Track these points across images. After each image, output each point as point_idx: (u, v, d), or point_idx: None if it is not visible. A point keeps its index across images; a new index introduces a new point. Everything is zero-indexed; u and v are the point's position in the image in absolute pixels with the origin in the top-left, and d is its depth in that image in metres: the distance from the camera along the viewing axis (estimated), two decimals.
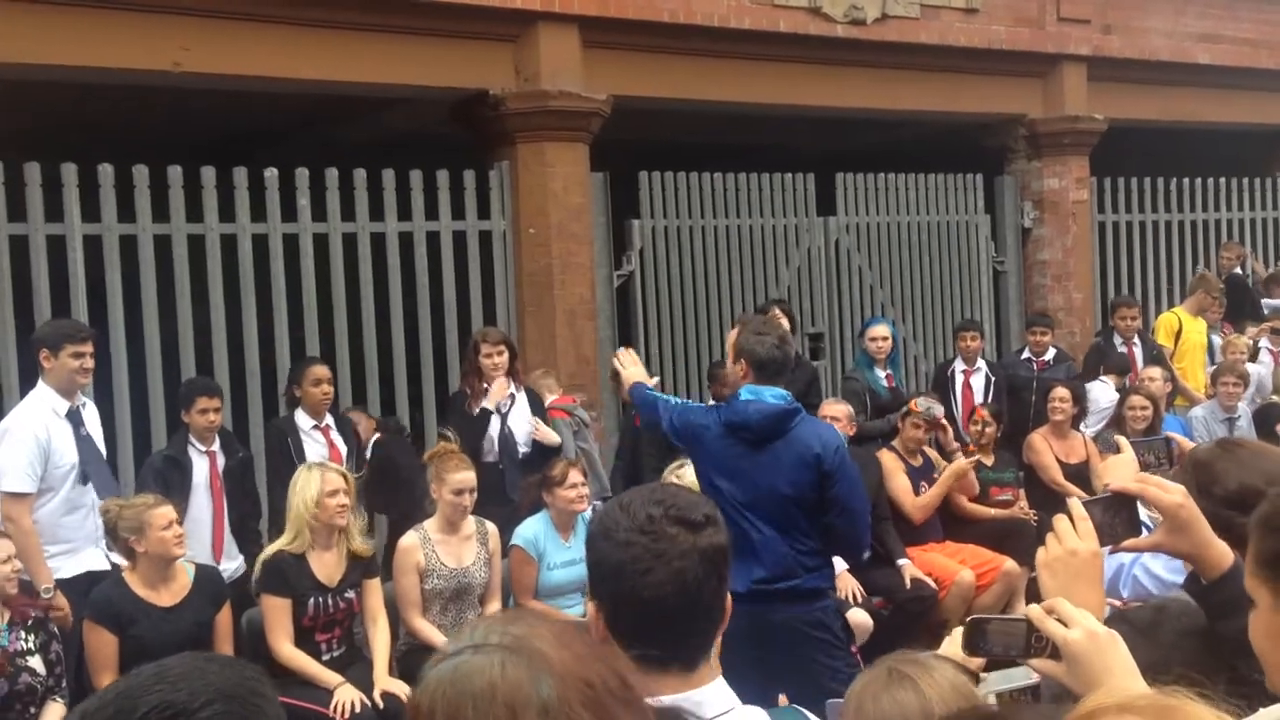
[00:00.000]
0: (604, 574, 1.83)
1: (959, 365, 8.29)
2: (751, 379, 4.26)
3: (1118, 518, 2.00)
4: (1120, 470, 2.66)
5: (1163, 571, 2.62)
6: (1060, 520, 1.87)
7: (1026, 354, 8.60)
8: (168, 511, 4.70)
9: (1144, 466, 2.97)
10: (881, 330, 7.87)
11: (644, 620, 1.80)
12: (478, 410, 6.29)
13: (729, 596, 1.88)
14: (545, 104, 7.36)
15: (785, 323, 7.55)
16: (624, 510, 1.84)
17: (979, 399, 8.08)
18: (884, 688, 1.98)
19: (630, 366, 4.76)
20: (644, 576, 1.79)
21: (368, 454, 6.43)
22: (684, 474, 5.65)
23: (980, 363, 8.29)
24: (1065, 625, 1.62)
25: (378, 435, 6.68)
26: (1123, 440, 2.80)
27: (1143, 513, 2.29)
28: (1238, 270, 10.44)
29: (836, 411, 6.71)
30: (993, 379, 8.28)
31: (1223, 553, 1.94)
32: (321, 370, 6.12)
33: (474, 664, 1.27)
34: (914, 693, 1.95)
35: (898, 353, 8.09)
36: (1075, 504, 1.92)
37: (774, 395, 4.25)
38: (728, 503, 4.12)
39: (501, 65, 7.40)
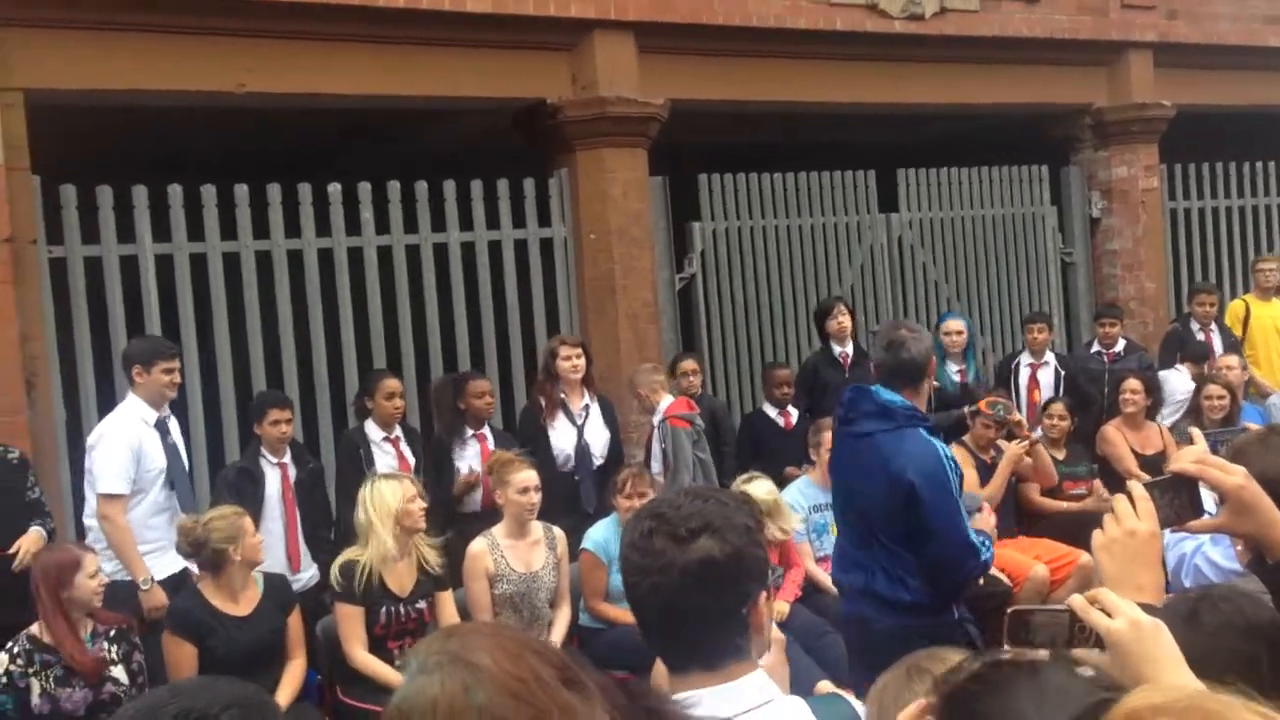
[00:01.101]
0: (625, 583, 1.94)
1: (1025, 358, 8.16)
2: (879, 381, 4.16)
3: (1178, 499, 1.97)
4: (1186, 459, 2.62)
5: (1222, 560, 2.57)
6: (1119, 500, 1.84)
7: (1096, 346, 8.45)
8: (251, 521, 4.91)
9: None
10: (956, 325, 7.80)
11: (647, 625, 1.88)
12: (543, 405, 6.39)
13: (761, 595, 1.89)
14: (603, 110, 7.39)
15: (847, 320, 7.54)
16: (634, 521, 1.91)
17: (1047, 392, 7.97)
18: (905, 685, 1.95)
19: None
20: (634, 589, 1.87)
21: None
22: (751, 486, 5.65)
23: (1049, 356, 8.17)
24: (1109, 615, 1.58)
25: None
26: (1196, 432, 2.74)
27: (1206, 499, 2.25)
28: None
29: None
30: (1062, 373, 8.15)
31: None
32: (394, 384, 6.22)
33: (419, 684, 1.38)
34: None
35: (973, 348, 7.99)
36: (1135, 485, 1.89)
37: (889, 397, 4.14)
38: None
39: (559, 74, 7.45)
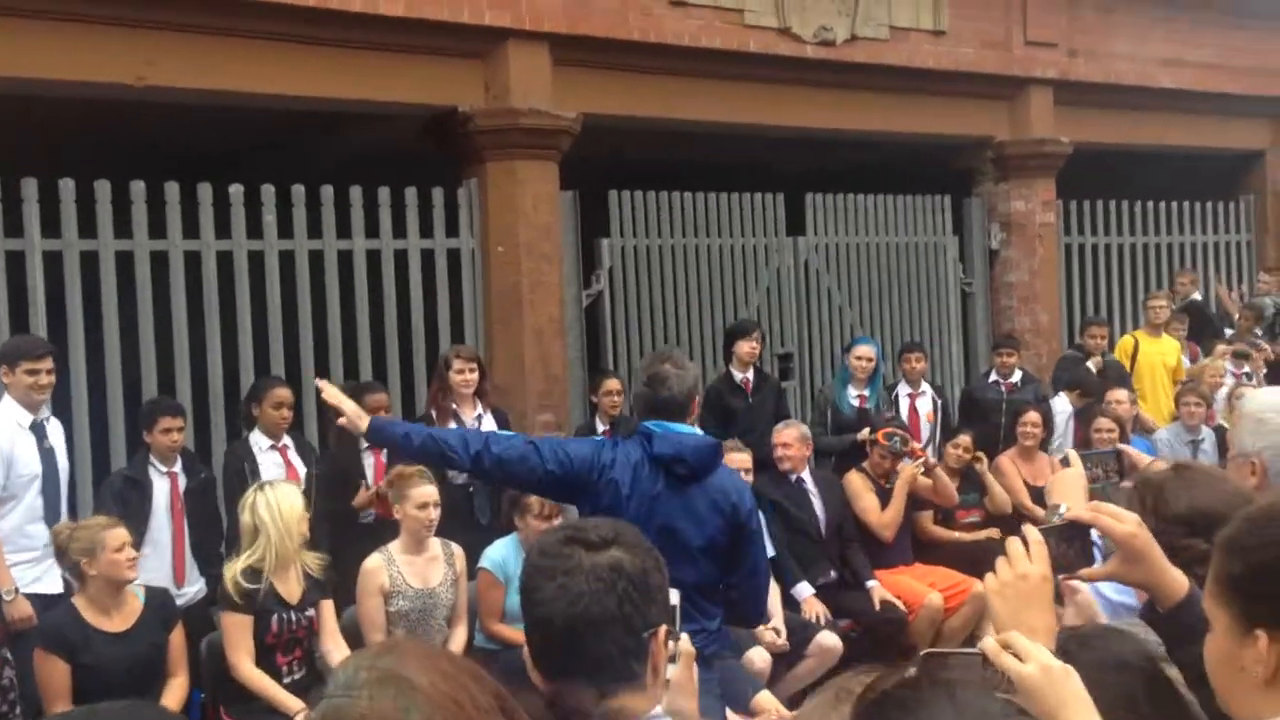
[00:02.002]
0: (520, 602, 1.88)
1: (903, 389, 8.27)
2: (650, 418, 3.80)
3: (1071, 547, 1.99)
4: (1069, 484, 2.66)
5: (1111, 593, 2.59)
6: (1013, 543, 1.85)
7: (994, 376, 8.62)
8: (121, 534, 4.62)
9: (1093, 480, 2.96)
10: (867, 351, 7.86)
11: (543, 644, 1.81)
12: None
13: (663, 630, 1.86)
14: (515, 121, 7.32)
15: (758, 346, 7.57)
16: (547, 533, 1.93)
17: (925, 421, 8.08)
18: (831, 708, 1.93)
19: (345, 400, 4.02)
20: (534, 594, 1.82)
21: None
22: None
23: (924, 385, 8.29)
24: (1020, 659, 1.59)
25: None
26: (1072, 454, 2.79)
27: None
28: (1195, 296, 10.53)
29: (787, 437, 6.66)
30: (939, 401, 8.28)
31: (1178, 580, 1.94)
32: (283, 393, 6.04)
33: (341, 704, 1.31)
34: None
35: (878, 374, 8.08)
36: (1030, 530, 1.91)
37: (689, 430, 3.82)
38: None
39: (471, 82, 7.36)
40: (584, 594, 1.79)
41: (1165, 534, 1.99)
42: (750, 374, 7.59)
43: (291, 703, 4.74)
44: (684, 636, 1.94)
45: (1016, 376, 8.53)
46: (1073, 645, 1.86)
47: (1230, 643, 1.52)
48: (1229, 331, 10.31)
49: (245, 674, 4.78)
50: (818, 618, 6.23)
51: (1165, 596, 1.93)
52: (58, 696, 4.48)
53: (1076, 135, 9.90)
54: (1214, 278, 11.06)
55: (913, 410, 8.16)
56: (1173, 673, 1.90)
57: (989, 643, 1.62)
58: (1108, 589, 2.72)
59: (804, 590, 6.35)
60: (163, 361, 6.53)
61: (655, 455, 3.68)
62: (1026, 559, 1.80)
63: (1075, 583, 2.52)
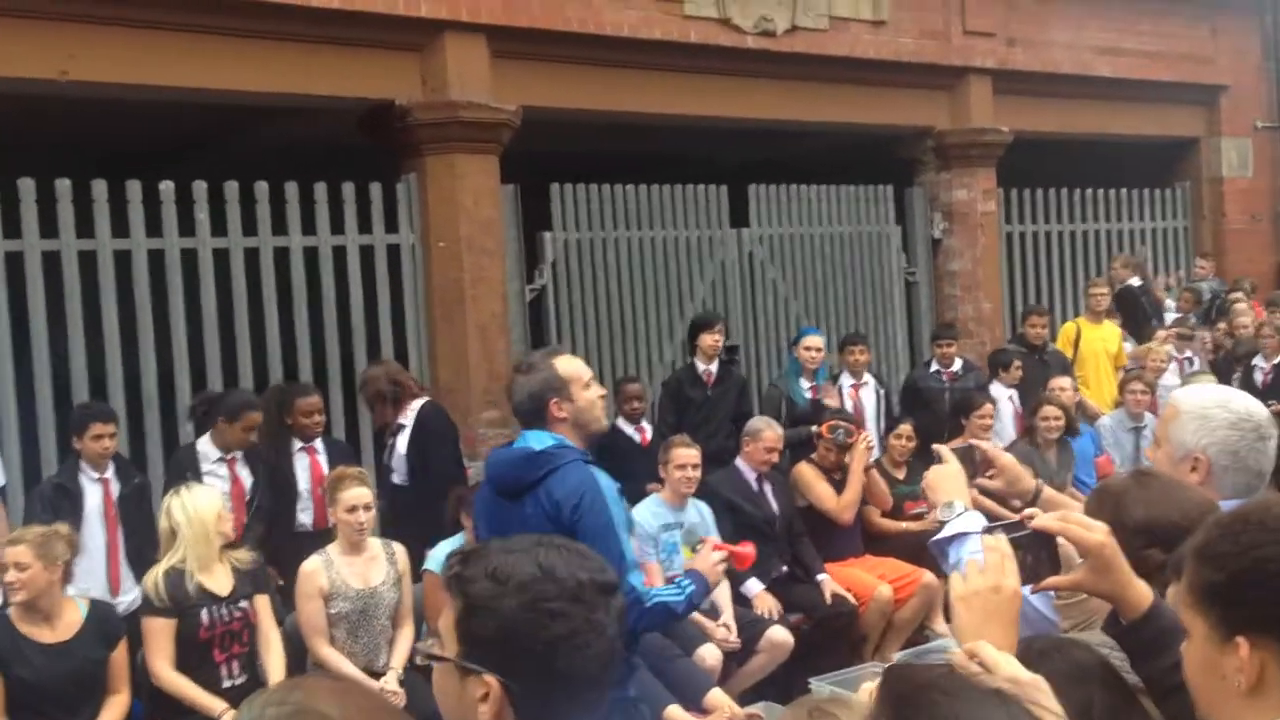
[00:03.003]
0: (520, 649, 1.60)
1: (846, 380, 8.25)
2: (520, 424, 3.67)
3: (1038, 556, 1.96)
4: (950, 481, 2.61)
5: (1037, 602, 2.55)
6: (992, 551, 1.80)
7: (935, 366, 8.64)
8: (9, 553, 4.45)
9: None
10: (815, 341, 7.84)
11: (570, 699, 1.64)
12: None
13: None
14: (454, 115, 7.21)
15: (721, 339, 7.52)
16: (547, 575, 1.64)
17: (870, 412, 8.08)
18: None
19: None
20: (581, 651, 1.62)
21: None
22: None
23: (867, 376, 8.28)
24: (988, 670, 1.56)
25: None
26: (944, 450, 2.75)
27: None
28: (1133, 282, 10.64)
29: (772, 440, 6.63)
30: (881, 392, 8.29)
31: (1143, 592, 1.92)
32: (255, 416, 5.87)
33: None
34: None
35: (825, 364, 8.07)
36: (1001, 540, 1.87)
37: (537, 439, 3.52)
38: None
39: (408, 75, 7.24)
40: (620, 649, 1.72)
41: (1124, 545, 1.96)
42: (714, 366, 7.56)
43: (212, 704, 4.63)
44: None
45: (957, 365, 8.56)
46: (1031, 656, 1.82)
47: (1210, 651, 1.48)
48: (1168, 318, 10.43)
49: (165, 679, 4.68)
50: (769, 612, 6.20)
51: (1130, 608, 1.90)
52: None
53: (1015, 124, 9.96)
54: (1149, 275, 11.13)
55: (857, 400, 8.15)
56: (1132, 682, 1.87)
57: (956, 655, 1.61)
58: (1037, 602, 2.68)
59: (754, 586, 6.32)
60: (93, 364, 6.36)
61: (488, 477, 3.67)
62: (1002, 570, 1.76)
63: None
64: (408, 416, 6.33)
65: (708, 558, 3.65)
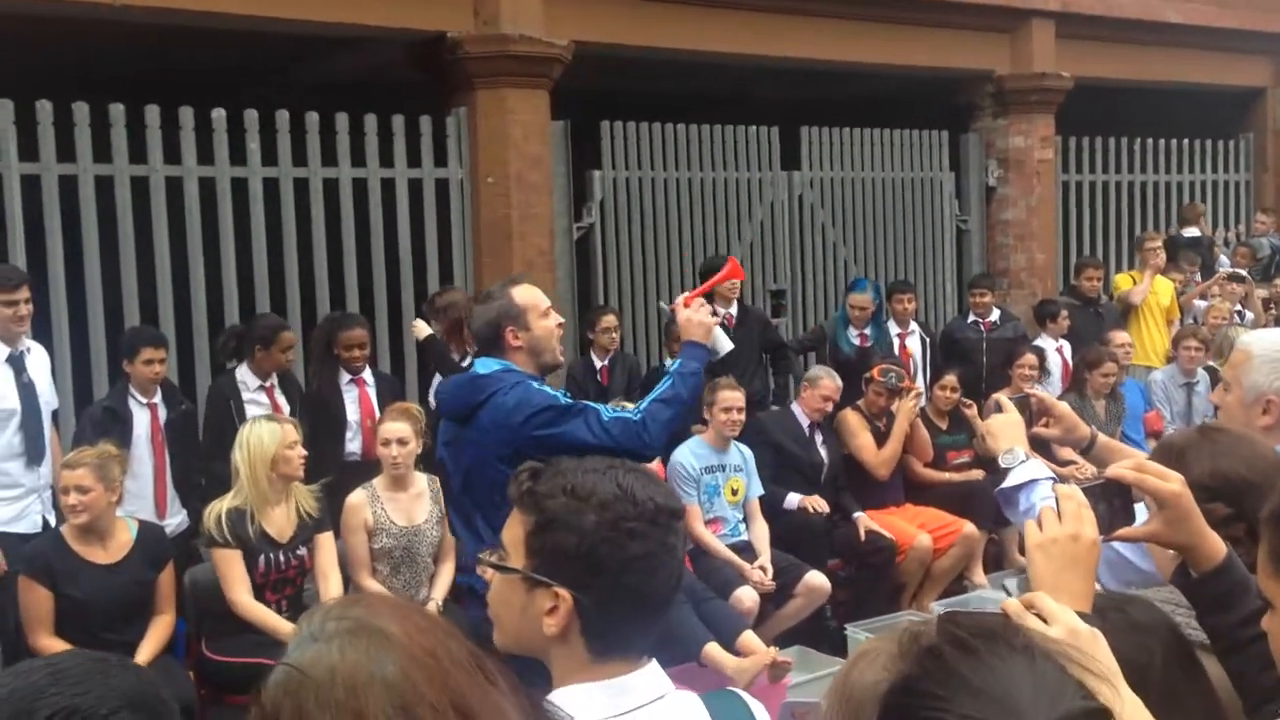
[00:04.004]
0: (597, 565, 1.64)
1: (893, 328, 8.17)
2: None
3: (1111, 505, 1.92)
4: (1009, 429, 2.62)
5: (1127, 552, 2.54)
6: (1069, 500, 1.76)
7: (972, 316, 8.54)
8: (70, 476, 4.52)
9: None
10: (862, 299, 7.75)
11: (637, 618, 1.68)
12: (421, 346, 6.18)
13: None
14: (505, 48, 7.14)
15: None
16: (626, 495, 1.66)
17: (917, 360, 8.03)
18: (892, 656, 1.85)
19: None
20: (656, 573, 1.67)
21: None
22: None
23: (913, 325, 8.21)
24: (1045, 621, 1.53)
25: None
26: (1003, 399, 2.76)
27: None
28: (1189, 232, 10.42)
29: (829, 389, 6.61)
30: (927, 339, 8.23)
31: (1216, 545, 1.87)
32: (291, 337, 5.94)
33: (312, 654, 1.24)
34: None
35: (880, 315, 8.00)
36: (1075, 490, 1.82)
37: (483, 365, 3.50)
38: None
39: (460, 7, 7.17)
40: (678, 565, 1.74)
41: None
42: (734, 309, 7.51)
43: (290, 630, 4.68)
44: None
45: (995, 315, 8.45)
46: (1092, 613, 1.80)
47: None
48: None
49: (244, 606, 4.70)
50: (813, 508, 6.27)
51: (1202, 559, 1.86)
52: (40, 625, 4.46)
53: (1077, 70, 9.73)
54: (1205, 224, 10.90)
55: (903, 349, 8.09)
56: (1195, 639, 1.84)
57: (1012, 603, 1.55)
58: (1129, 551, 2.67)
59: (792, 500, 6.37)
60: (145, 289, 6.42)
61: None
62: (1080, 518, 1.72)
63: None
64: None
65: (688, 313, 3.54)
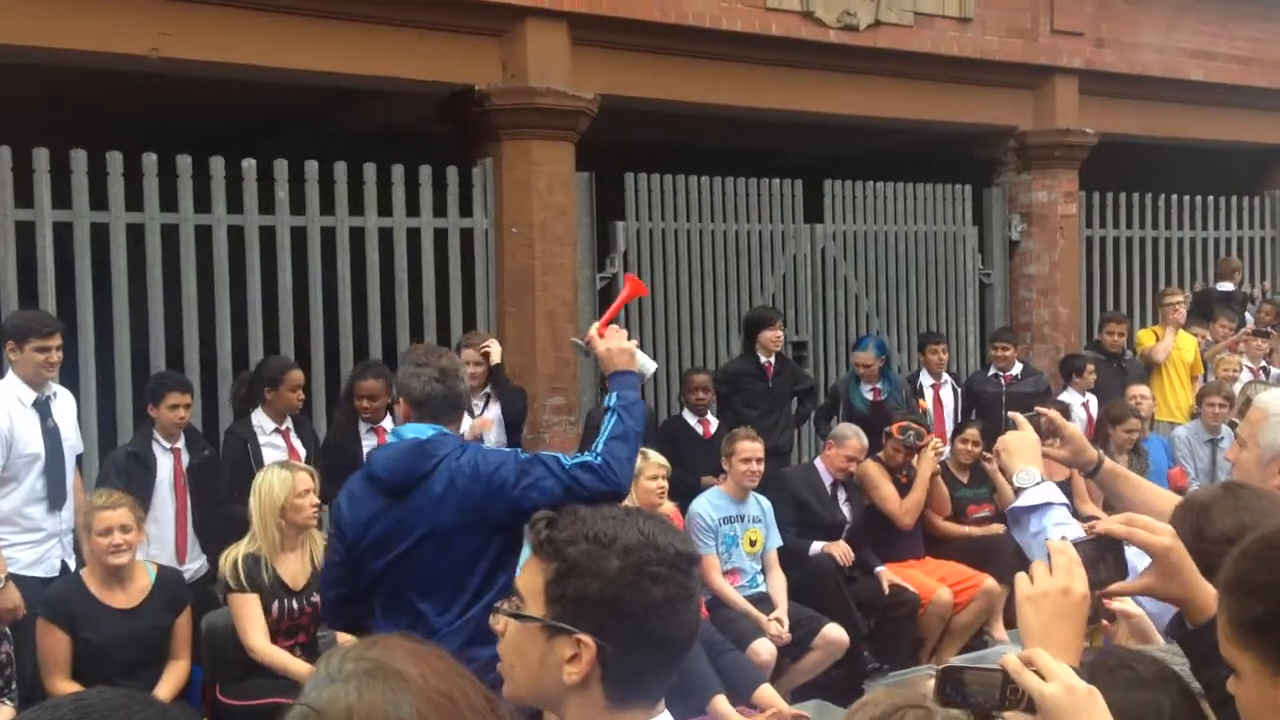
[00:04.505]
0: (621, 611, 1.63)
1: (926, 379, 8.19)
2: (413, 418, 3.46)
3: (1103, 560, 1.93)
4: (1023, 447, 2.64)
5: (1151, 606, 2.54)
6: (1061, 554, 1.77)
7: (993, 369, 8.53)
8: (112, 516, 4.54)
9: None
10: (866, 358, 7.76)
11: (658, 664, 1.67)
12: None
13: None
14: (532, 101, 7.24)
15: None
16: (649, 541, 1.67)
17: (949, 412, 8.02)
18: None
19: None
20: (677, 617, 1.67)
21: None
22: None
23: (946, 377, 8.23)
24: (1044, 678, 1.53)
25: None
26: (1018, 416, 2.77)
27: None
28: (1223, 286, 10.40)
29: (854, 449, 6.62)
30: (959, 391, 8.24)
31: (1209, 596, 1.87)
32: (300, 376, 5.98)
33: (329, 694, 1.25)
34: None
35: (890, 367, 8.01)
36: (1066, 545, 1.84)
37: (417, 430, 3.40)
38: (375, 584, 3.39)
39: (488, 61, 7.28)
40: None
41: (1207, 554, 1.93)
42: (773, 359, 7.56)
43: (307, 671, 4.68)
44: None
45: (1016, 369, 8.43)
46: (1101, 671, 1.81)
47: (1263, 685, 1.44)
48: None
49: (262, 650, 4.69)
50: (842, 557, 6.28)
51: (1197, 611, 1.88)
52: (57, 669, 4.48)
53: (1101, 126, 9.77)
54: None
55: (937, 401, 8.10)
56: (1196, 690, 1.84)
57: (1011, 659, 1.58)
58: (1146, 601, 2.68)
59: (816, 546, 6.36)
60: (171, 336, 6.50)
61: (366, 476, 3.45)
62: (1071, 573, 1.74)
63: (1129, 605, 2.46)
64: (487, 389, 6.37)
65: (606, 343, 3.43)
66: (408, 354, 3.74)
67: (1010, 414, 2.86)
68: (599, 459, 3.25)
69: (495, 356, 6.24)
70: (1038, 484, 2.53)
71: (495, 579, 3.31)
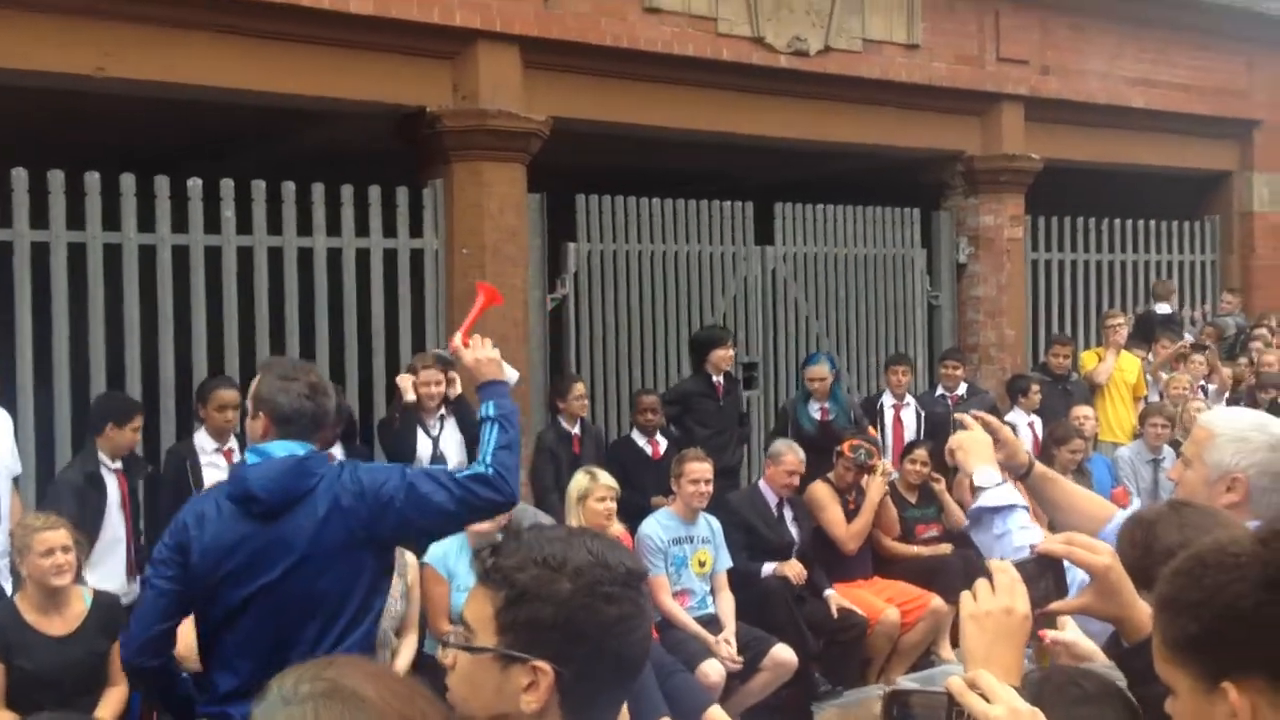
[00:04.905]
0: (576, 633, 1.60)
1: (888, 399, 8.27)
2: (273, 435, 3.20)
3: (1043, 579, 1.95)
4: (974, 447, 2.68)
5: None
6: (1003, 573, 1.78)
7: (940, 390, 8.62)
8: (52, 537, 4.47)
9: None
10: (819, 371, 7.84)
11: (615, 684, 1.66)
12: (400, 409, 6.17)
13: None
14: (483, 123, 7.24)
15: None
16: (599, 561, 1.64)
17: (910, 433, 8.09)
18: None
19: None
20: (631, 635, 1.64)
21: None
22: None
23: (909, 398, 8.30)
24: (988, 700, 1.54)
25: None
26: (966, 417, 2.80)
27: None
28: (1160, 308, 10.57)
29: (793, 463, 6.64)
30: (923, 413, 8.30)
31: (1146, 616, 1.89)
32: (229, 395, 5.88)
33: (284, 717, 1.22)
34: None
35: (839, 386, 8.07)
36: (1007, 565, 1.85)
37: (286, 448, 3.17)
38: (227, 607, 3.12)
39: (440, 83, 7.28)
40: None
41: (1153, 567, 1.96)
42: (721, 378, 7.60)
43: None
44: None
45: (962, 389, 8.53)
46: (1048, 689, 1.83)
47: (1198, 703, 1.44)
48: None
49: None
50: (796, 577, 6.33)
51: (1133, 630, 1.90)
52: None
53: (1046, 152, 9.92)
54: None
55: (897, 421, 8.16)
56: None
57: (955, 681, 1.58)
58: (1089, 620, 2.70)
59: (767, 568, 6.37)
60: (113, 357, 6.41)
61: (229, 496, 3.18)
62: (1013, 592, 1.75)
63: (1069, 636, 2.48)
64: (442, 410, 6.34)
65: (472, 353, 3.34)
66: (268, 365, 3.50)
67: (956, 415, 2.88)
68: (490, 470, 3.14)
69: (458, 387, 6.23)
70: (999, 485, 2.55)
71: (371, 604, 3.18)
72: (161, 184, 6.51)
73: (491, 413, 3.25)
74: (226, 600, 3.10)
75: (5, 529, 5.10)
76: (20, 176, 6.09)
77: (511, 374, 3.44)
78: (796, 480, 6.69)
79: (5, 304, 6.07)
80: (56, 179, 6.20)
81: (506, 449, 3.20)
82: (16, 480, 5.50)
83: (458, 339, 3.43)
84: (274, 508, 3.10)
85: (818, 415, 7.73)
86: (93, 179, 6.29)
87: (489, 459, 3.16)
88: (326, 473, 3.15)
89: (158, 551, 3.26)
